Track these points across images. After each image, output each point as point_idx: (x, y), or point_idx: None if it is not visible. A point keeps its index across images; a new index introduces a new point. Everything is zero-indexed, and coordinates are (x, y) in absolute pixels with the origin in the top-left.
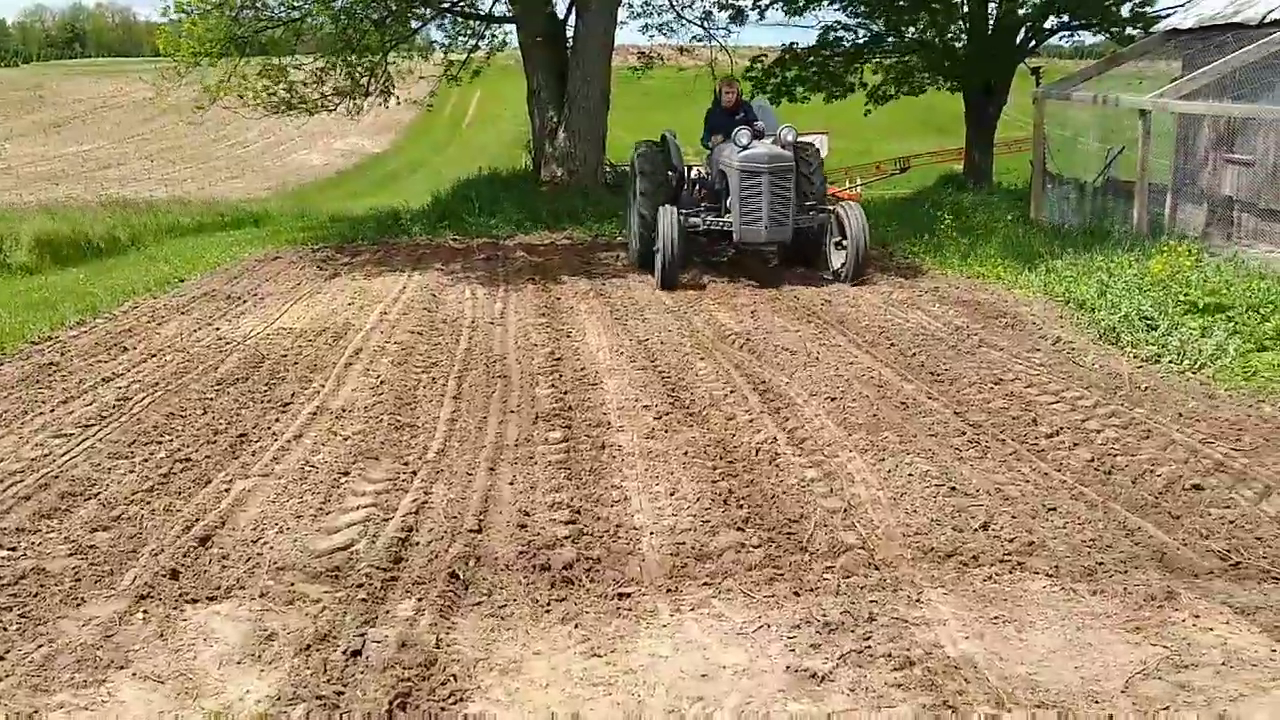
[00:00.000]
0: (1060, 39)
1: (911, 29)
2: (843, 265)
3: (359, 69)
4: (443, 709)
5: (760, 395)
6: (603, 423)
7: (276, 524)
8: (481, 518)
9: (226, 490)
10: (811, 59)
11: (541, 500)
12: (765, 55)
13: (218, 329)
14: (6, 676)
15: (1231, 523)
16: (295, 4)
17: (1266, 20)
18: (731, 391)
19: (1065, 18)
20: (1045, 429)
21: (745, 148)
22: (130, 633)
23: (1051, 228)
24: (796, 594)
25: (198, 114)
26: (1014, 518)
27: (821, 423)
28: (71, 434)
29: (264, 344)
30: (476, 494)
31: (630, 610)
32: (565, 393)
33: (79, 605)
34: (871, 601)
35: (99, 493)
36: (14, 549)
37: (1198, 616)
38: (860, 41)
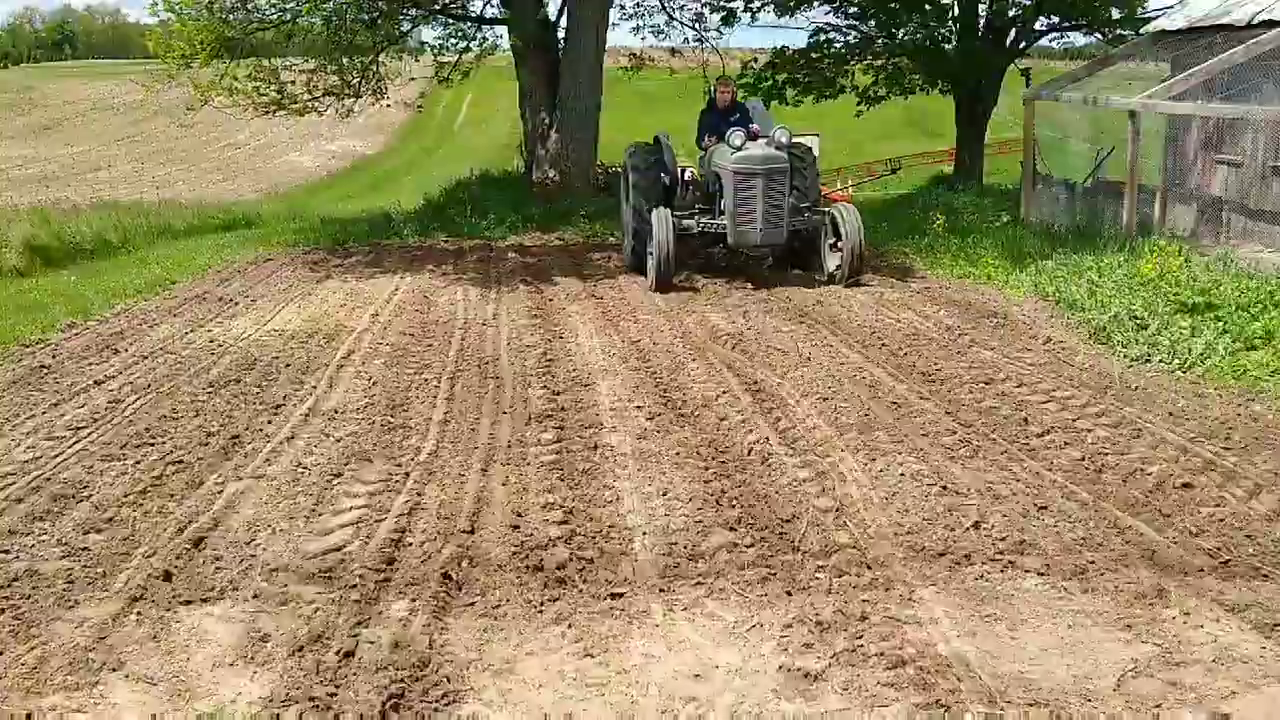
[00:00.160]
0: (1050, 40)
1: (902, 31)
2: (838, 267)
3: (350, 70)
4: (436, 710)
5: (753, 395)
6: (595, 423)
7: (269, 525)
8: (474, 518)
9: (219, 492)
10: (802, 62)
11: (534, 501)
12: (756, 59)
13: (210, 331)
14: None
15: (1222, 521)
16: (286, 4)
17: (1255, 21)
18: (724, 392)
19: (1055, 19)
20: (1036, 428)
21: (739, 149)
22: (123, 634)
23: (1042, 228)
24: (789, 593)
25: (188, 115)
26: (1005, 517)
27: (813, 423)
28: (63, 436)
29: (256, 346)
30: (469, 495)
31: (623, 610)
32: (558, 394)
33: (72, 607)
34: (864, 601)
35: (91, 495)
36: (6, 551)
37: (1188, 614)
38: (851, 42)
